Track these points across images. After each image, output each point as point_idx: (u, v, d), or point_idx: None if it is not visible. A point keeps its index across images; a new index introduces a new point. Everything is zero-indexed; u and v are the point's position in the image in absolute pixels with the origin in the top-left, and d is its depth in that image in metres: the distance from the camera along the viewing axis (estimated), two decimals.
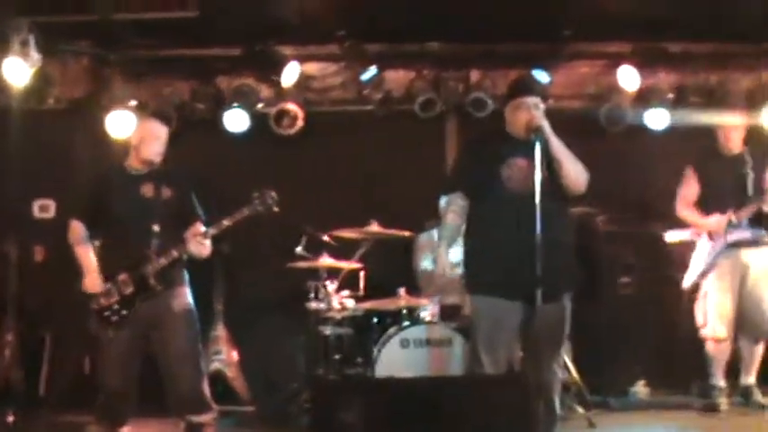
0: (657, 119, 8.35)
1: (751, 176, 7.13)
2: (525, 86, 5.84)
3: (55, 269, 7.82)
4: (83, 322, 6.11)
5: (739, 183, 7.13)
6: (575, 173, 5.54)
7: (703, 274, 7.18)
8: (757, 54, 8.45)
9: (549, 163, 5.43)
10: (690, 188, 7.40)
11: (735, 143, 7.30)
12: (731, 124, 7.33)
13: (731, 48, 8.48)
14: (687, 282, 7.29)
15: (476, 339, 5.63)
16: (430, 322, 7.05)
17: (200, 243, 5.97)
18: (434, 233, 7.73)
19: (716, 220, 7.11)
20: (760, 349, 7.19)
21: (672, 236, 7.51)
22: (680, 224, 7.47)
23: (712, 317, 7.13)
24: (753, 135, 7.54)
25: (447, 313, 7.16)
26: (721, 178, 7.24)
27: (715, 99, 8.39)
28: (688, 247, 7.36)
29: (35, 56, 7.43)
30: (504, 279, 5.45)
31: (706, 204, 7.27)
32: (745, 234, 7.09)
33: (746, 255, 7.12)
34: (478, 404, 4.67)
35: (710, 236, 7.16)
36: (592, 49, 8.63)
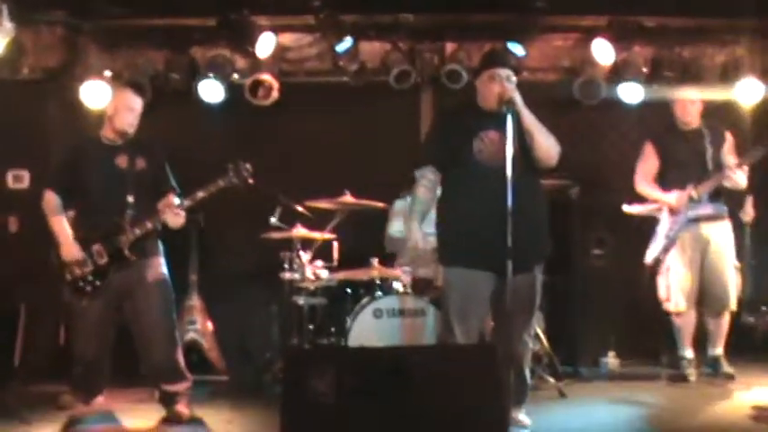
0: (632, 93, 8.37)
1: (709, 151, 7.17)
2: (497, 58, 5.86)
3: (29, 239, 7.82)
4: (57, 293, 6.13)
5: (698, 158, 7.18)
6: (546, 146, 5.57)
7: (665, 250, 7.24)
8: (731, 29, 8.44)
9: (521, 135, 5.46)
10: (648, 163, 7.46)
11: (692, 117, 7.34)
12: (688, 98, 7.35)
13: (706, 23, 8.47)
14: (649, 257, 7.34)
15: (447, 309, 5.68)
16: (403, 293, 7.10)
17: (175, 214, 5.98)
18: (409, 201, 7.79)
19: (676, 195, 7.16)
20: (725, 321, 7.26)
21: (630, 208, 7.54)
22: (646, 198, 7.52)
23: (674, 291, 7.21)
24: (709, 109, 7.58)
25: (419, 286, 7.19)
26: (680, 153, 7.29)
27: (689, 74, 8.42)
28: (657, 221, 7.42)
29: (8, 25, 7.33)
30: (475, 250, 5.49)
31: (665, 179, 7.32)
32: (705, 209, 7.14)
33: (707, 229, 7.19)
34: (449, 374, 4.69)
35: (671, 211, 7.21)
36: (567, 22, 8.60)
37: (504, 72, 5.60)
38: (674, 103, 7.43)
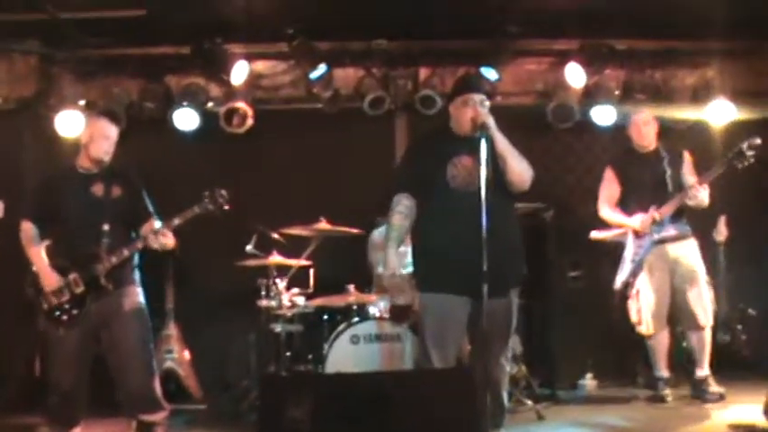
0: (604, 115, 8.44)
1: (669, 172, 7.20)
2: (470, 84, 5.90)
3: (4, 269, 7.75)
4: (33, 323, 6.09)
5: (658, 180, 7.20)
6: (519, 169, 5.60)
7: (633, 274, 7.25)
8: (702, 51, 8.56)
9: (494, 160, 5.48)
10: (610, 188, 7.46)
11: (649, 140, 7.36)
12: (642, 121, 7.39)
13: (676, 45, 8.60)
14: (618, 282, 7.33)
15: (424, 335, 5.68)
16: (380, 318, 7.09)
17: (163, 235, 5.96)
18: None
19: (640, 218, 7.17)
20: (706, 338, 7.23)
21: (597, 234, 7.56)
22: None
23: (645, 314, 7.20)
24: (665, 130, 7.62)
25: (397, 314, 7.17)
26: (640, 176, 7.31)
27: (661, 95, 8.50)
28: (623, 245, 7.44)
29: None
30: (450, 275, 5.51)
31: (627, 202, 7.35)
32: (668, 230, 7.15)
33: (673, 249, 7.19)
34: (426, 398, 4.70)
35: (636, 235, 7.23)
36: (539, 47, 8.71)
37: (478, 97, 5.64)
38: (630, 127, 7.44)
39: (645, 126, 7.35)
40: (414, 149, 6.08)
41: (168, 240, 5.99)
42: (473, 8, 7.63)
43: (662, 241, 7.15)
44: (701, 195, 6.95)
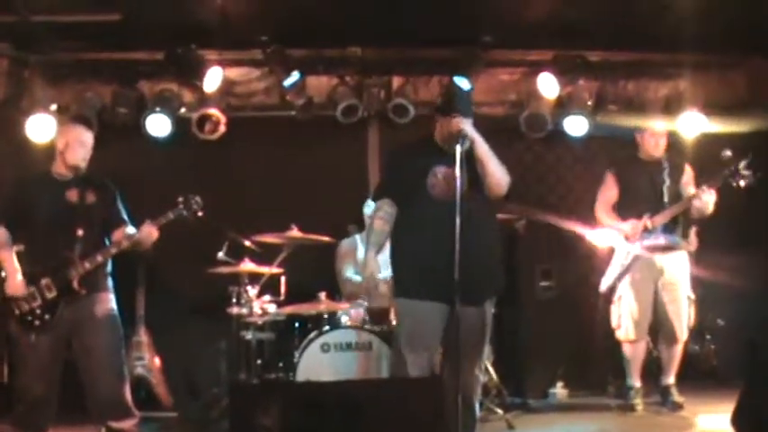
0: (577, 125, 8.49)
1: (667, 183, 7.25)
2: (461, 108, 5.77)
3: None
4: (1, 328, 6.04)
5: (655, 189, 7.25)
6: (499, 173, 5.60)
7: (619, 278, 7.31)
8: (674, 63, 8.63)
9: (474, 168, 5.50)
10: (609, 192, 7.52)
11: (657, 149, 7.42)
12: (660, 133, 7.44)
13: (649, 57, 8.67)
14: (604, 285, 7.40)
15: (399, 341, 5.68)
16: (350, 326, 7.08)
17: (149, 233, 5.95)
18: (357, 239, 7.80)
19: (632, 225, 7.22)
20: (677, 351, 7.30)
21: (591, 234, 7.60)
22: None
23: (625, 319, 7.26)
24: (672, 142, 7.67)
25: (375, 317, 7.17)
26: (638, 183, 7.37)
27: (633, 106, 8.55)
28: (604, 251, 7.48)
29: None
30: (428, 282, 5.50)
31: (622, 208, 7.39)
32: (659, 240, 7.21)
33: (661, 260, 7.24)
34: (397, 407, 4.70)
35: (626, 240, 7.28)
36: (512, 57, 8.74)
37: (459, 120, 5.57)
38: (643, 136, 7.47)
39: (661, 138, 7.42)
40: (395, 160, 6.04)
41: (153, 233, 5.99)
42: (447, 17, 7.65)
43: (651, 250, 7.18)
44: (706, 198, 6.99)
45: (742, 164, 6.82)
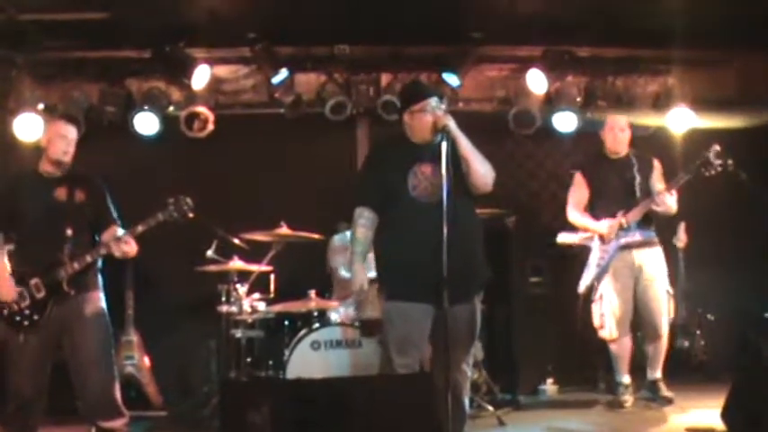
0: (566, 122, 8.50)
1: (638, 179, 7.24)
2: (423, 90, 5.81)
3: None
4: None
5: (627, 186, 7.24)
6: (483, 170, 5.55)
7: (597, 278, 7.29)
8: (663, 59, 8.65)
9: (457, 163, 5.47)
10: (579, 192, 7.48)
11: (622, 146, 7.39)
12: (618, 127, 7.40)
13: (638, 53, 8.69)
14: (582, 286, 7.37)
15: (387, 342, 5.65)
16: (340, 324, 7.07)
17: (125, 243, 5.90)
18: (348, 235, 7.78)
19: (607, 223, 7.20)
20: (662, 345, 7.29)
21: (563, 237, 7.59)
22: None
23: (608, 318, 7.23)
24: (636, 138, 7.64)
25: (367, 328, 7.09)
26: (609, 181, 7.34)
27: (622, 102, 8.57)
28: (589, 249, 7.48)
29: None
30: (413, 284, 5.46)
31: (595, 207, 7.37)
32: (635, 236, 7.19)
33: (639, 256, 7.21)
34: (387, 405, 4.69)
35: (602, 239, 7.26)
36: (501, 53, 8.76)
37: (434, 100, 5.58)
38: (604, 131, 7.45)
39: (621, 132, 7.36)
40: (373, 159, 5.96)
41: (130, 249, 5.92)
42: (435, 14, 7.65)
43: (627, 247, 7.17)
44: (669, 201, 7.00)
45: (712, 153, 6.78)
